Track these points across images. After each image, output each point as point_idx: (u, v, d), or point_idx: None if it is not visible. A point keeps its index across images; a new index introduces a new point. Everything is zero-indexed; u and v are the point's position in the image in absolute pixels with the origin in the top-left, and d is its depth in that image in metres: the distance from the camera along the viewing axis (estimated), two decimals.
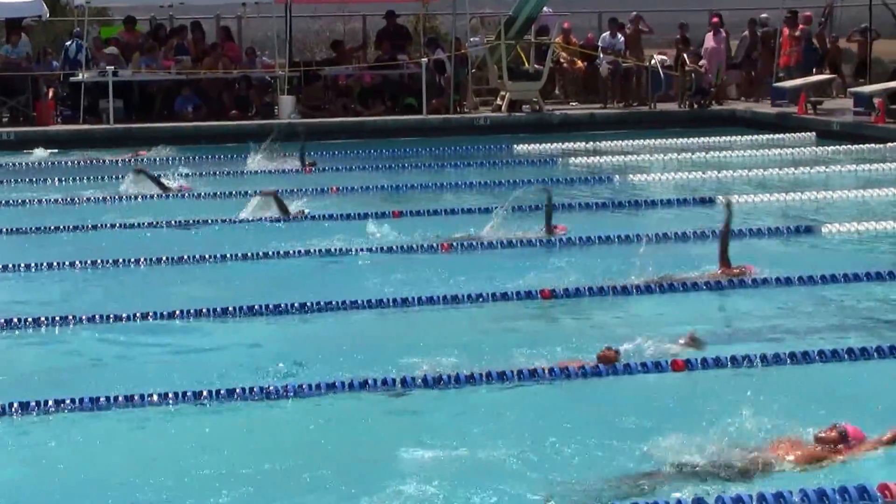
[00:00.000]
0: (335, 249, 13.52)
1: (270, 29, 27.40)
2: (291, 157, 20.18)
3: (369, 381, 8.83)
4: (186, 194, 17.54)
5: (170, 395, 8.66)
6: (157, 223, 15.24)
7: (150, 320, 10.76)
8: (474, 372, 9.02)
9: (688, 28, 28.31)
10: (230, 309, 10.92)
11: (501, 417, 8.31)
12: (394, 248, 13.63)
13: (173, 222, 15.27)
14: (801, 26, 27.76)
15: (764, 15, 29.14)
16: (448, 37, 28.72)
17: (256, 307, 10.99)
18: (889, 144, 21.97)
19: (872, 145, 22.07)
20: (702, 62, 27.39)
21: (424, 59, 26.07)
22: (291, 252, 13.37)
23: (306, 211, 15.68)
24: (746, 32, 29.19)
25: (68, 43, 26.06)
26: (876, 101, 23.73)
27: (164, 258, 13.07)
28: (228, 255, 13.17)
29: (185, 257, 13.07)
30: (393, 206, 16.16)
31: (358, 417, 8.43)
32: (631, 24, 28.27)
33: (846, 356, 9.39)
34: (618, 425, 8.05)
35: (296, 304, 11.02)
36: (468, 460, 7.46)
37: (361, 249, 13.51)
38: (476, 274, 12.31)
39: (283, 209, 15.50)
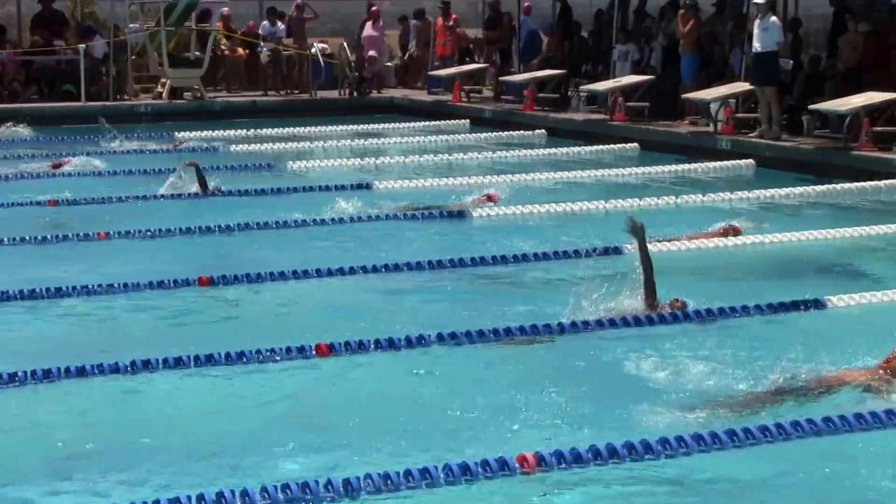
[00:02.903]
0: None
1: None
2: None
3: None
4: None
5: None
6: None
7: None
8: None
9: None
10: None
11: None
12: (48, 237, 13.50)
13: None
14: (453, 16, 28.69)
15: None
16: (107, 23, 28.27)
17: None
18: (537, 131, 22.99)
19: (522, 132, 23.03)
20: (370, 53, 27.93)
21: (82, 46, 25.63)
22: None
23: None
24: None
25: None
26: (525, 90, 24.78)
27: None
28: None
29: None
30: (48, 195, 15.93)
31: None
32: (296, 10, 28.53)
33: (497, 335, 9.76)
34: None
35: None
36: None
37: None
38: (126, 260, 12.44)
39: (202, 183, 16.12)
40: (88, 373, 8.74)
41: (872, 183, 16.91)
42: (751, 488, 7.00)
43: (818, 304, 10.50)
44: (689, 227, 13.86)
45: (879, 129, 18.35)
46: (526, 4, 28.18)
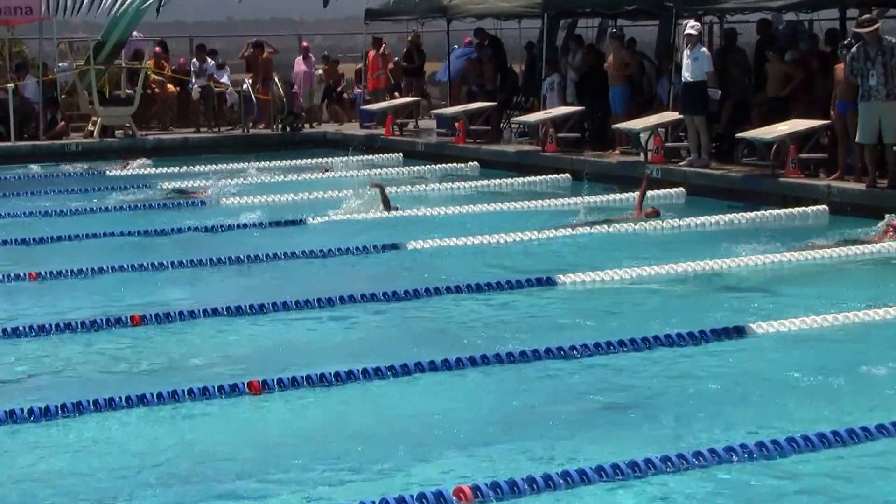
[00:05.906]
0: None
1: None
2: None
3: None
4: None
5: None
6: None
7: None
8: None
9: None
10: None
11: None
12: None
13: None
14: (386, 50, 28.85)
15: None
16: (35, 62, 28.14)
17: None
18: (469, 163, 23.09)
19: (454, 164, 23.12)
20: (295, 88, 27.99)
21: (11, 85, 25.52)
22: None
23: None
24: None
25: None
26: (456, 122, 24.89)
27: None
28: None
29: None
30: None
31: None
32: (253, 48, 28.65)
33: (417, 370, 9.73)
34: None
35: None
36: None
37: None
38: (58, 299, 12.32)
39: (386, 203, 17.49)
40: (18, 417, 8.65)
41: (800, 209, 17.18)
42: None
43: (740, 332, 10.65)
44: (621, 255, 14.01)
45: (805, 155, 18.60)
46: (466, 40, 28.43)
